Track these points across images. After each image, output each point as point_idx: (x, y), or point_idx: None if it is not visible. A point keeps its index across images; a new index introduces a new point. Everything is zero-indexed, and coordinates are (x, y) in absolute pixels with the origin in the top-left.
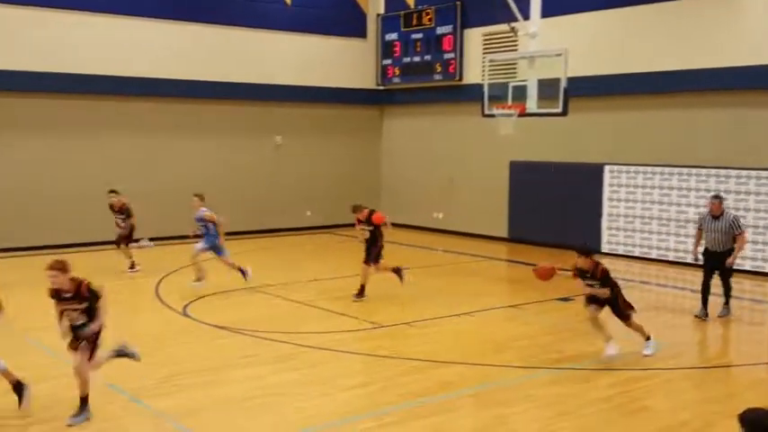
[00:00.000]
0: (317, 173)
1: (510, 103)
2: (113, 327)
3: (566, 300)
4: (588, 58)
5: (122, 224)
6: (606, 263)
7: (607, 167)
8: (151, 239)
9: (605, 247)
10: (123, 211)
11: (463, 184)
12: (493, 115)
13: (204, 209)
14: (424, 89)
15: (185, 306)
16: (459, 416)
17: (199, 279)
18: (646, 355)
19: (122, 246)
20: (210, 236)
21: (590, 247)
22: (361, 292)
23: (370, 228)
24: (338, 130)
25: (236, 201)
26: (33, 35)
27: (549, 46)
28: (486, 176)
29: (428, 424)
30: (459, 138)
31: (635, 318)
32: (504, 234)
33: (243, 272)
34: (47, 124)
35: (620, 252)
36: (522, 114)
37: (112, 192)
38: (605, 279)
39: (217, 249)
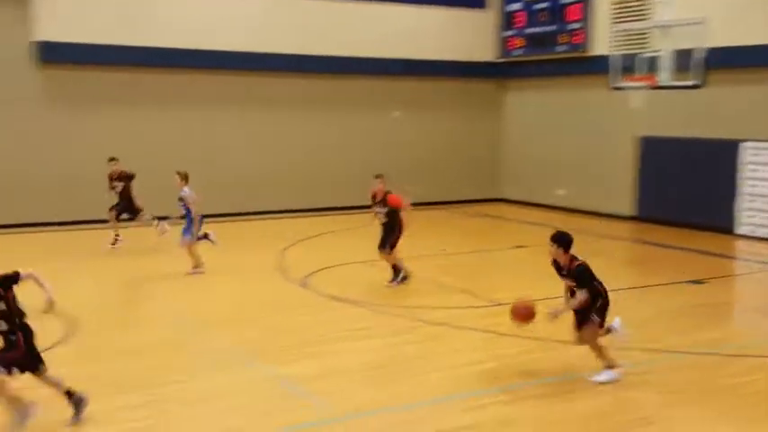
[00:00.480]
0: (435, 148)
1: (641, 75)
2: (234, 297)
3: (698, 282)
4: (728, 27)
5: (120, 192)
6: (741, 245)
7: (747, 144)
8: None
9: (742, 229)
10: (122, 179)
11: (588, 159)
12: (622, 88)
13: (186, 189)
14: (547, 61)
15: (304, 278)
16: (579, 397)
17: (196, 266)
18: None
19: (113, 217)
20: (190, 217)
21: (566, 235)
22: (398, 274)
23: (385, 209)
24: (456, 105)
25: (352, 175)
26: (155, 10)
27: (686, 14)
28: (612, 152)
29: (548, 403)
30: (585, 112)
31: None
32: (629, 212)
33: (206, 237)
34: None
35: (759, 234)
36: (654, 87)
37: (112, 159)
38: (581, 278)
39: (186, 231)
